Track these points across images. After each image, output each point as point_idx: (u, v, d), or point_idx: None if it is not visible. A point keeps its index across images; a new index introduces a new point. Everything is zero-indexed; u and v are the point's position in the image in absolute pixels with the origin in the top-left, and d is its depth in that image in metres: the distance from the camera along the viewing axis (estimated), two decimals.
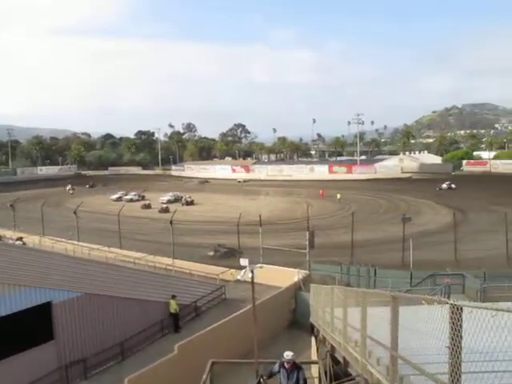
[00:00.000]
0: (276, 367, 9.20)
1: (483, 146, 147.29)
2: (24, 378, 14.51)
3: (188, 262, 29.15)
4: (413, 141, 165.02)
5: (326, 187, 76.50)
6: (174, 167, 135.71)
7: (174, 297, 20.57)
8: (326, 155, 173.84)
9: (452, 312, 3.74)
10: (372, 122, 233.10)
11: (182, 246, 33.74)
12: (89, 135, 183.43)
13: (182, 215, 43.85)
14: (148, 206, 62.93)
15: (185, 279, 24.28)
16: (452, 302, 3.77)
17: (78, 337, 16.61)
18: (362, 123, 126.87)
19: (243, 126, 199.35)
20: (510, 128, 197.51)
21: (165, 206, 60.56)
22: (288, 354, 9.07)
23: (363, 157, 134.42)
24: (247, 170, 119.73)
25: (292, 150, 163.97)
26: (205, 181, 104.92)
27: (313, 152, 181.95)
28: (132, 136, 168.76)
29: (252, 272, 11.60)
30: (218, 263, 29.47)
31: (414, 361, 4.78)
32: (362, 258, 29.67)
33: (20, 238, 33.84)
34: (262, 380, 9.13)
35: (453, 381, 3.68)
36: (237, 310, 19.32)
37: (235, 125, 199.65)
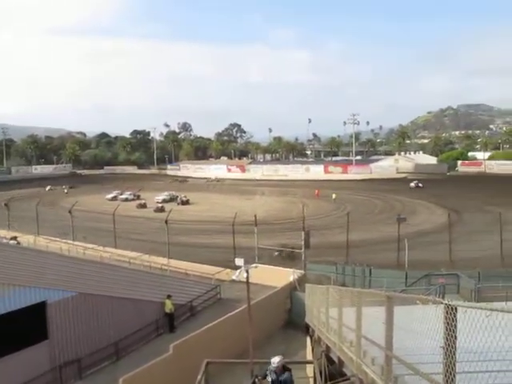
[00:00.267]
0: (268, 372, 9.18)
1: (478, 146, 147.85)
2: (18, 378, 14.43)
3: (183, 261, 29.11)
4: (408, 141, 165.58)
5: (321, 187, 76.57)
6: (169, 167, 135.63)
7: (169, 296, 20.53)
8: (322, 155, 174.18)
9: (446, 312, 3.75)
10: (367, 123, 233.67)
11: (178, 245, 33.68)
12: (84, 134, 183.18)
13: (177, 215, 43.76)
14: (143, 206, 62.78)
15: (180, 279, 24.25)
16: (446, 302, 3.78)
17: (72, 337, 16.55)
18: (358, 123, 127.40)
19: (239, 126, 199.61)
20: (504, 129, 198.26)
21: (160, 205, 60.45)
22: (274, 361, 9.05)
23: (359, 157, 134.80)
24: (243, 169, 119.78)
25: (288, 150, 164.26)
26: (184, 179, 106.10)
27: (308, 152, 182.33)
28: (127, 135, 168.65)
29: (247, 272, 11.59)
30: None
31: (408, 361, 4.79)
32: (358, 257, 29.72)
33: (14, 238, 33.67)
34: (256, 380, 9.12)
35: (447, 381, 3.69)
36: (232, 309, 19.30)
37: (231, 124, 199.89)
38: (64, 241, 34.64)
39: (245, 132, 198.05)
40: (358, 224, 40.74)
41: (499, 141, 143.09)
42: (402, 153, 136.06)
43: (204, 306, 22.98)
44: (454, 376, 3.67)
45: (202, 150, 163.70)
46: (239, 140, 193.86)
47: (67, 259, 19.50)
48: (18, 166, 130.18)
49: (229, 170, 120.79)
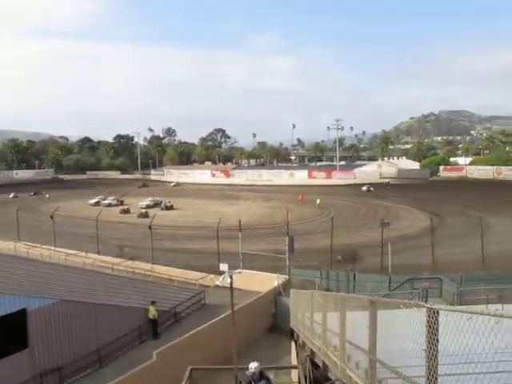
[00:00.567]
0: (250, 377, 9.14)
1: (459, 152, 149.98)
2: None
3: (167, 267, 28.93)
4: (391, 146, 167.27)
5: (305, 192, 76.88)
6: (153, 172, 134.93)
7: (153, 303, 20.35)
8: (306, 160, 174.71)
9: (428, 315, 3.78)
10: (351, 128, 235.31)
11: (162, 251, 33.47)
12: (66, 139, 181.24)
13: (161, 220, 43.48)
14: (127, 211, 62.34)
15: (164, 285, 24.11)
16: (428, 305, 3.81)
17: (53, 344, 16.27)
18: (342, 129, 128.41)
19: (223, 131, 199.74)
20: (484, 135, 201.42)
21: (144, 210, 60.07)
22: (251, 367, 9.01)
23: (342, 162, 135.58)
24: (227, 174, 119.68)
25: (272, 155, 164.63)
26: (144, 184, 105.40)
27: (292, 157, 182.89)
28: (111, 140, 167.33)
29: (231, 277, 11.55)
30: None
31: (392, 364, 4.81)
32: (342, 260, 29.86)
33: None
34: None
35: (429, 383, 3.71)
36: (216, 315, 19.21)
37: (215, 129, 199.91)
38: (45, 247, 34.16)
39: (229, 137, 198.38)
40: (342, 229, 40.96)
41: (480, 146, 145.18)
42: (386, 158, 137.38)
43: (188, 312, 22.83)
44: (436, 379, 3.69)
45: (186, 155, 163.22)
46: (223, 145, 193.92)
47: (48, 266, 19.25)
48: None
49: (213, 175, 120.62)
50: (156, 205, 66.50)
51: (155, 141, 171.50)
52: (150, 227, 31.39)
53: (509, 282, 22.68)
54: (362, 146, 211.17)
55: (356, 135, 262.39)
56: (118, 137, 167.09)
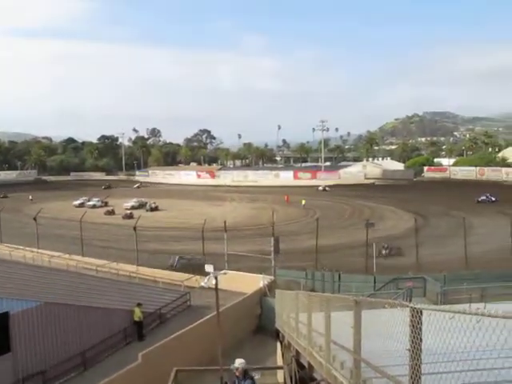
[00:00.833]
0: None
1: (443, 153, 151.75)
2: None
3: (152, 269, 28.77)
4: (376, 147, 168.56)
5: (290, 193, 77.03)
6: (138, 172, 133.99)
7: (139, 305, 20.23)
8: (291, 161, 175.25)
9: (412, 315, 3.81)
10: (336, 129, 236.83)
11: (147, 252, 33.29)
12: (50, 139, 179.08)
13: (146, 221, 43.28)
14: (111, 212, 61.83)
15: (149, 286, 23.97)
16: (412, 305, 3.85)
17: (37, 348, 16.06)
18: (327, 130, 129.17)
19: (208, 132, 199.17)
20: (468, 136, 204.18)
21: (129, 212, 59.69)
22: (236, 363, 9.01)
23: (328, 163, 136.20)
24: (212, 175, 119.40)
25: (257, 156, 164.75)
26: (108, 186, 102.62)
27: (278, 158, 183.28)
28: (95, 141, 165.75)
29: (216, 278, 11.52)
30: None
31: (376, 364, 4.84)
32: (327, 263, 29.97)
33: None
34: None
35: (413, 382, 3.75)
36: (201, 316, 19.18)
37: (200, 130, 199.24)
38: (28, 249, 33.72)
39: (214, 138, 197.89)
40: (327, 229, 41.13)
41: (463, 148, 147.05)
42: (370, 159, 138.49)
43: (173, 314, 22.76)
44: (420, 377, 3.73)
45: (171, 156, 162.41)
46: (209, 146, 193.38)
47: (32, 268, 19.01)
48: None
49: (198, 176, 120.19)
50: (141, 206, 66.07)
51: (140, 141, 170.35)
52: (134, 228, 31.18)
53: (491, 281, 23.04)
54: (347, 147, 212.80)
55: (341, 136, 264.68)
56: (103, 137, 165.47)
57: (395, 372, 4.33)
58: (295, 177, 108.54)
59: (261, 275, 25.47)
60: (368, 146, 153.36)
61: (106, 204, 69.57)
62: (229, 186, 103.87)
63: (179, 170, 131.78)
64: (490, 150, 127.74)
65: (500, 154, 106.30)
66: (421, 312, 3.74)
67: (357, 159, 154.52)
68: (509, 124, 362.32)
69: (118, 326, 19.49)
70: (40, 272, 17.81)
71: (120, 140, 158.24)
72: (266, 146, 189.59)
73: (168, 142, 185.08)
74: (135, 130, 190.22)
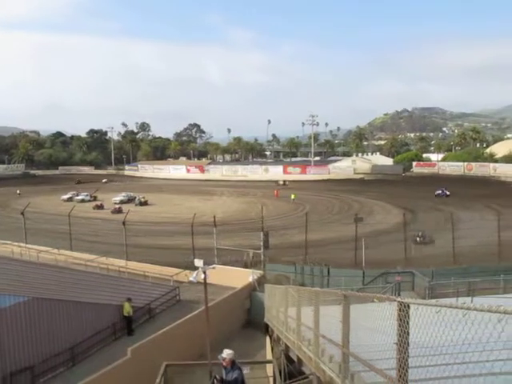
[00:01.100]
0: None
1: (432, 148, 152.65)
2: None
3: (142, 263, 28.69)
4: (365, 142, 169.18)
5: (280, 188, 77.14)
6: (127, 167, 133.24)
7: (129, 300, 20.16)
8: (281, 156, 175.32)
9: (400, 309, 3.85)
10: (326, 124, 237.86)
11: (136, 247, 33.16)
12: (38, 133, 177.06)
13: (135, 216, 43.09)
14: (100, 207, 61.54)
15: (138, 281, 23.89)
16: (399, 299, 3.89)
17: (24, 343, 15.95)
18: (317, 124, 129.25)
19: (198, 126, 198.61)
20: (456, 131, 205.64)
21: (118, 206, 59.39)
22: (224, 353, 9.01)
23: (317, 158, 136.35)
24: (202, 170, 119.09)
25: (247, 151, 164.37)
26: (79, 181, 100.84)
27: (268, 152, 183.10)
28: (84, 135, 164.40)
29: (204, 273, 11.52)
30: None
31: (365, 357, 4.89)
32: (316, 257, 30.12)
33: None
34: (215, 381, 9.07)
35: (400, 375, 3.79)
36: (191, 311, 19.21)
37: (190, 125, 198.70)
38: (16, 244, 33.42)
39: (204, 132, 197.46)
40: (317, 224, 41.29)
41: (452, 143, 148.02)
42: (360, 154, 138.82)
43: (163, 309, 22.70)
44: (407, 370, 3.77)
45: (160, 151, 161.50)
46: (198, 140, 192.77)
47: (19, 263, 18.85)
48: None
49: (188, 171, 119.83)
50: (130, 200, 65.81)
51: (129, 136, 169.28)
52: (123, 223, 31.05)
53: (478, 276, 23.32)
54: (336, 141, 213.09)
55: (331, 131, 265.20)
56: (91, 131, 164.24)
57: (383, 365, 4.37)
58: (285, 171, 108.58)
59: (250, 270, 25.53)
60: (357, 140, 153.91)
61: (94, 198, 69.18)
62: (218, 180, 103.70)
63: (168, 164, 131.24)
64: (478, 145, 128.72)
65: (488, 150, 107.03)
66: (408, 306, 3.78)
67: (346, 154, 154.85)
68: (496, 120, 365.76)
69: (107, 321, 19.41)
70: (28, 267, 17.68)
71: (109, 134, 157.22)
72: (256, 140, 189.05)
73: (157, 136, 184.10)
74: (124, 125, 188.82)
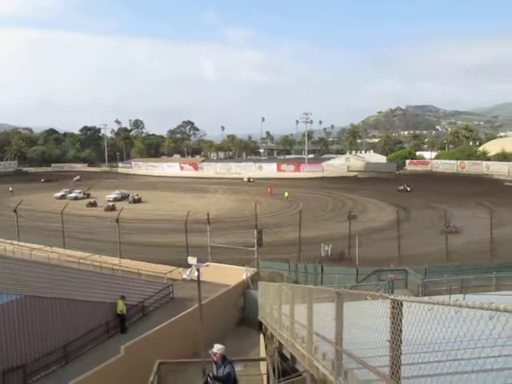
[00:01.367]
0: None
1: (425, 146, 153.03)
2: None
3: (135, 261, 28.62)
4: (359, 140, 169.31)
5: (274, 185, 77.17)
6: (121, 164, 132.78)
7: (123, 297, 20.10)
8: (275, 153, 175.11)
9: (392, 307, 3.86)
10: (320, 122, 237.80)
11: (130, 244, 33.08)
12: (31, 130, 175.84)
13: (129, 213, 42.98)
14: (94, 204, 61.27)
15: (131, 279, 23.84)
16: (392, 296, 3.90)
17: (17, 342, 15.87)
18: (311, 122, 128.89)
19: (192, 124, 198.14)
20: (449, 130, 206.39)
21: (111, 203, 59.17)
22: (214, 347, 9.01)
23: (311, 155, 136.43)
24: (195, 167, 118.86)
25: (241, 148, 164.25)
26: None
27: (261, 150, 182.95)
28: (77, 132, 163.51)
29: (198, 271, 11.50)
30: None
31: (358, 355, 4.90)
32: (310, 255, 30.17)
33: None
34: (209, 379, 9.07)
35: (393, 372, 3.80)
36: (184, 309, 19.19)
37: (184, 122, 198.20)
38: (8, 241, 33.21)
39: (198, 130, 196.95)
40: (310, 221, 41.34)
41: (445, 141, 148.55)
42: (354, 152, 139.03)
43: (156, 306, 22.69)
44: (399, 367, 3.78)
45: (154, 148, 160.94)
46: (192, 138, 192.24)
47: (12, 261, 18.75)
48: None
49: (182, 168, 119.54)
50: (124, 198, 65.57)
51: (122, 133, 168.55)
52: (117, 220, 30.95)
53: (470, 273, 23.46)
54: (330, 139, 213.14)
55: (325, 129, 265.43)
56: (85, 128, 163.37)
57: (376, 363, 4.38)
58: (278, 169, 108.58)
59: (244, 267, 25.53)
60: (351, 138, 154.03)
61: (88, 196, 68.87)
62: (212, 177, 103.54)
63: (162, 161, 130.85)
64: (471, 143, 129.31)
65: (481, 148, 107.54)
66: (401, 303, 3.79)
67: (340, 152, 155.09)
68: (489, 118, 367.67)
69: (101, 318, 19.35)
70: (21, 265, 17.58)
71: (102, 131, 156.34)
72: (250, 138, 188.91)
73: (151, 133, 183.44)
74: (118, 122, 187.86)
